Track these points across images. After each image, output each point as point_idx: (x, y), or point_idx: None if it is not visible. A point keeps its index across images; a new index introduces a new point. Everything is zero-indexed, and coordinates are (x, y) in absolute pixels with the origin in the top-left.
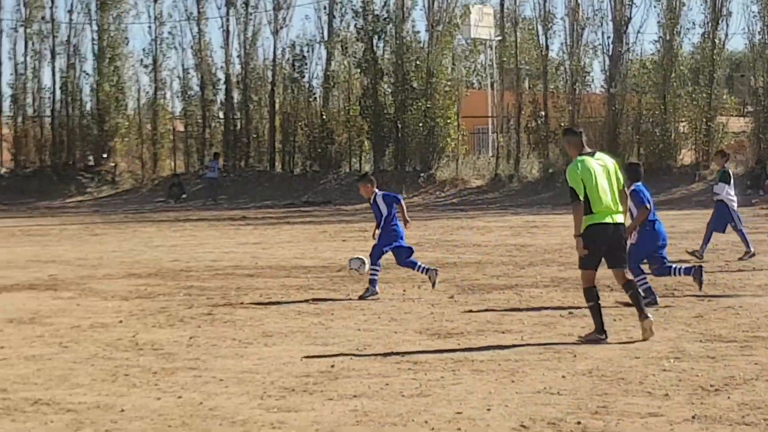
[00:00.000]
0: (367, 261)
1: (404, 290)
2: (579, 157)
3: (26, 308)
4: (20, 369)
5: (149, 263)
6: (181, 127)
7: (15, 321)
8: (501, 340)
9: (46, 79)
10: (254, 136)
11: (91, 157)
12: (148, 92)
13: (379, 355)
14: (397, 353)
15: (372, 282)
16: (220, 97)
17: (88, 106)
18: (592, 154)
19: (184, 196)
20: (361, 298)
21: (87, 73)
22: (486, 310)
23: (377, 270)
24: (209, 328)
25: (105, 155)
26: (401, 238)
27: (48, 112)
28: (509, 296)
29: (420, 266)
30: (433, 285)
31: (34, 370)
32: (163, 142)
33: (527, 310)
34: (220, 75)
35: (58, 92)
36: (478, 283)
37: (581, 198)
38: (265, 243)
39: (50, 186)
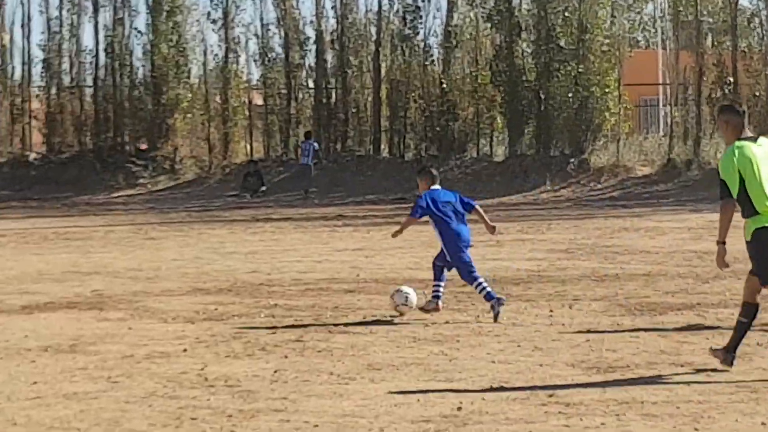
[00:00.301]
0: (413, 294)
1: (551, 311)
2: (737, 143)
3: (65, 333)
4: (59, 410)
5: (220, 275)
6: (259, 100)
7: (51, 349)
8: (679, 375)
9: (87, 39)
10: (353, 110)
11: (143, 140)
12: (216, 55)
13: (520, 393)
14: (544, 391)
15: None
16: (310, 60)
17: (140, 74)
18: (754, 140)
19: (263, 188)
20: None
21: (139, 31)
22: (659, 336)
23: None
24: (299, 359)
25: (143, 146)
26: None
27: (89, 82)
28: (689, 318)
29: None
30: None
31: (75, 412)
32: (237, 119)
33: (713, 336)
34: (310, 32)
35: (101, 56)
36: (648, 301)
37: (734, 194)
38: (368, 249)
39: (92, 176)
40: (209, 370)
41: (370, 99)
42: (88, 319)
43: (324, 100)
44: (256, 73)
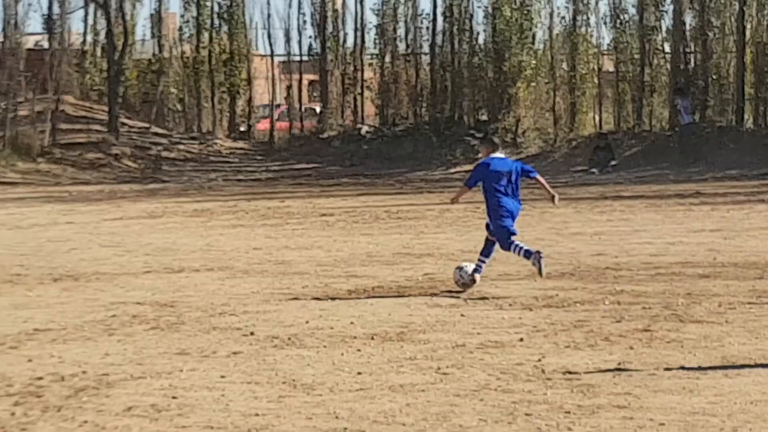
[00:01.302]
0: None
1: None
2: None
3: (393, 320)
4: (383, 403)
5: (562, 258)
6: (609, 67)
7: (378, 337)
8: None
9: (424, 3)
10: (714, 77)
11: (483, 111)
12: (563, 18)
13: None
14: None
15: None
16: (666, 22)
17: (480, 39)
18: None
19: (613, 163)
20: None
21: None
22: None
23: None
24: (645, 351)
25: (483, 117)
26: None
27: (426, 48)
28: None
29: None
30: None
31: (401, 406)
32: (585, 87)
33: None
34: None
35: (439, 20)
36: None
37: None
38: (727, 230)
39: (427, 150)
40: (547, 362)
41: (733, 64)
42: (419, 305)
43: (682, 66)
44: (606, 37)
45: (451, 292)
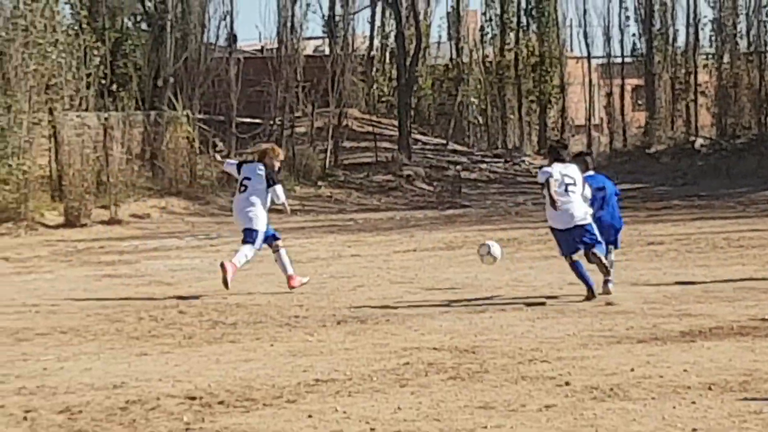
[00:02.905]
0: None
1: None
2: None
3: (734, 366)
4: None
5: None
6: None
7: (716, 387)
8: None
9: None
10: None
11: None
12: None
13: None
14: None
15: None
16: None
17: None
18: None
19: None
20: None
21: None
22: None
23: None
24: None
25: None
26: None
27: None
28: None
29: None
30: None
31: None
32: None
33: None
34: None
35: None
36: None
37: None
38: None
39: None
40: None
41: None
42: (765, 349)
43: None
44: None
45: None
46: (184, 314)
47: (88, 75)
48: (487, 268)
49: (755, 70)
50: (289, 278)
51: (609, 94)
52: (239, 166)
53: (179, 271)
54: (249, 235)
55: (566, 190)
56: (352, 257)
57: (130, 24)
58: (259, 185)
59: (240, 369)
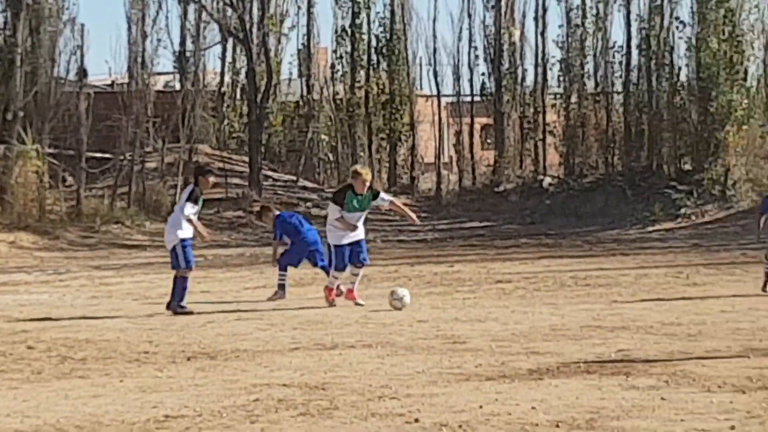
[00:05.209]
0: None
1: None
2: None
3: (581, 404)
4: None
5: None
6: None
7: (564, 424)
8: None
9: (616, 34)
10: None
11: (687, 159)
12: None
13: None
14: None
15: None
16: None
17: (682, 75)
18: None
19: None
20: None
21: (681, 22)
22: None
23: None
24: None
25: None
26: None
27: (618, 87)
28: None
29: None
30: None
31: None
32: None
33: None
34: None
35: (634, 54)
36: None
37: None
38: None
39: (620, 205)
40: None
41: None
42: (611, 386)
43: None
44: None
45: (648, 368)
46: (32, 349)
47: None
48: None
49: (602, 110)
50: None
51: (458, 133)
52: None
53: (27, 306)
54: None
55: None
56: (202, 293)
57: None
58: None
59: (89, 405)
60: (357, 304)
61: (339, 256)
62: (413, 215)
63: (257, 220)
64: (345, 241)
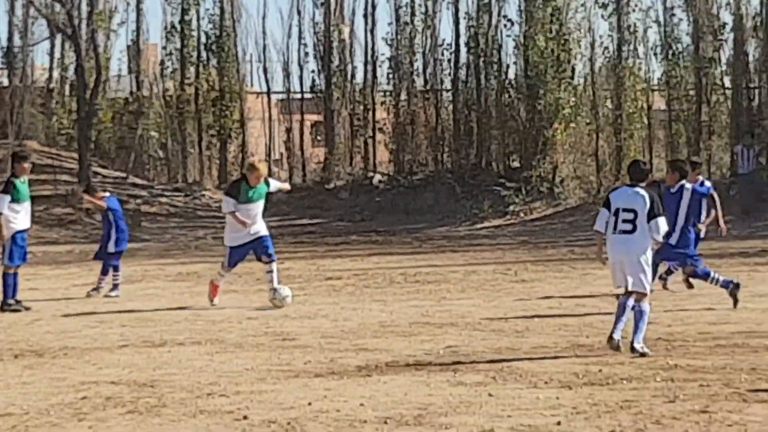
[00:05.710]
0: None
1: None
2: None
3: (409, 400)
4: None
5: (607, 327)
6: (661, 105)
7: (392, 421)
8: None
9: (445, 32)
10: None
11: (515, 156)
12: (607, 48)
13: None
14: None
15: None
16: (726, 53)
17: (510, 73)
18: None
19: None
20: None
21: (509, 20)
22: None
23: None
24: None
25: (514, 164)
26: None
27: (447, 84)
28: None
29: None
30: None
31: None
32: (632, 128)
33: None
34: (726, 17)
35: (462, 51)
36: None
37: None
38: None
39: (450, 203)
40: None
41: None
42: (440, 383)
43: (744, 104)
44: (657, 71)
45: (476, 364)
46: None
47: None
48: (166, 302)
49: (431, 107)
50: None
51: (289, 130)
52: None
53: None
54: None
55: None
56: (30, 290)
57: None
58: None
59: None
60: (212, 302)
61: (233, 256)
62: (287, 185)
63: (84, 195)
64: (240, 242)
